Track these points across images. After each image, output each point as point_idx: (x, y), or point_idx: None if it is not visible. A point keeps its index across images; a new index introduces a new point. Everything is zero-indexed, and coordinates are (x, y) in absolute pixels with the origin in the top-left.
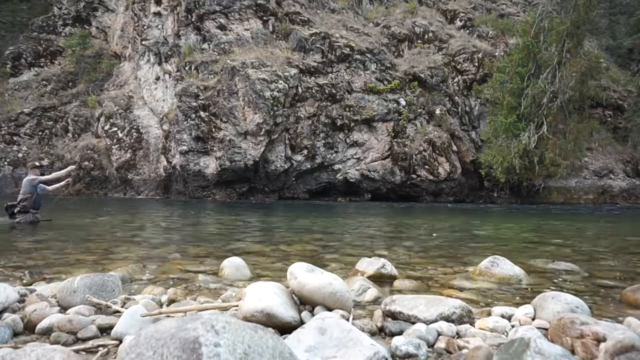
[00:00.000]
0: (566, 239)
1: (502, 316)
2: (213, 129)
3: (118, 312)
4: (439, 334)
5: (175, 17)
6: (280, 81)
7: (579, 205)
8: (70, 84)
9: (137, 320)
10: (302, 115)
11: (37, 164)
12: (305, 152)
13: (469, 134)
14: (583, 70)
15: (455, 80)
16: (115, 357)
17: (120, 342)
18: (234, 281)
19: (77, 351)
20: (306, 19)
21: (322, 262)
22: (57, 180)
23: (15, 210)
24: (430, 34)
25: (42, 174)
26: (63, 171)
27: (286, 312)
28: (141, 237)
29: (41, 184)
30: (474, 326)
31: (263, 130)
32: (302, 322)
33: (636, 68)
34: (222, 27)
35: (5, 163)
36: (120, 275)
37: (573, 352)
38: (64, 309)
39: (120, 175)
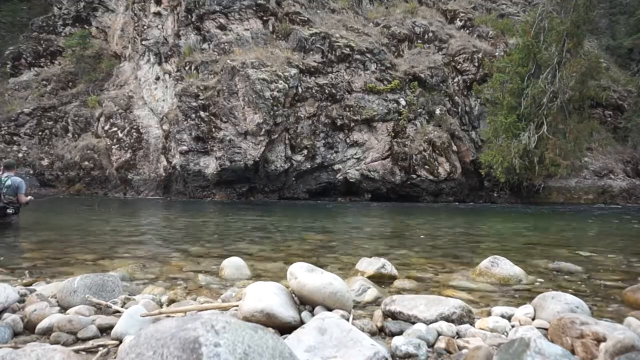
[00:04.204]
0: (566, 239)
1: (502, 316)
2: (213, 129)
3: (118, 312)
4: (439, 334)
5: (175, 17)
6: (280, 81)
7: (579, 205)
8: (70, 84)
9: (137, 320)
10: (302, 115)
11: (7, 161)
12: (305, 152)
13: (469, 134)
14: (583, 70)
15: (455, 80)
16: (115, 357)
17: (120, 342)
18: (234, 281)
19: (77, 351)
20: (306, 19)
21: (322, 262)
22: None
23: (11, 212)
24: (430, 34)
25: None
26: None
27: (286, 312)
28: (141, 237)
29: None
30: (474, 326)
31: (263, 130)
32: (302, 322)
33: (636, 68)
34: (222, 27)
35: None
36: (120, 275)
37: (573, 352)
38: (64, 309)
39: (120, 175)
